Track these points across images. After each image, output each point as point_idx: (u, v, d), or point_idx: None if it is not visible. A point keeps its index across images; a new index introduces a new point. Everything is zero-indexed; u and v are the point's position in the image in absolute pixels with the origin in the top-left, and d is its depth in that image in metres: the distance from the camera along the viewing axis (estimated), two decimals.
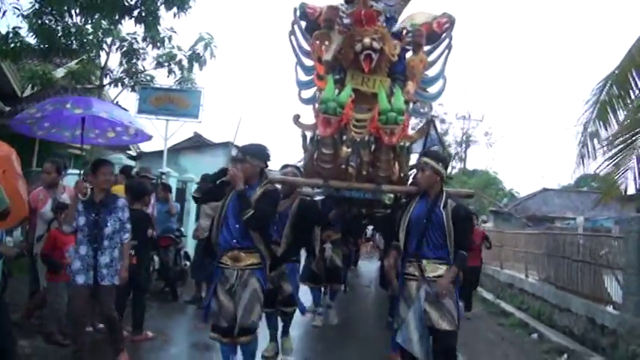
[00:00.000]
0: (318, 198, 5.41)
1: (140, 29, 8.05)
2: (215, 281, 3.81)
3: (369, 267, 15.49)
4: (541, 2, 61.76)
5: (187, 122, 12.30)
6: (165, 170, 10.63)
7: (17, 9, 7.25)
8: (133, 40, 9.23)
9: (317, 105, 4.20)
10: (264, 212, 3.68)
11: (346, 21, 4.41)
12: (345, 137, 4.42)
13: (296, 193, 4.94)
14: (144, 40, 8.58)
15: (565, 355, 6.11)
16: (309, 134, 4.64)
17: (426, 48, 4.48)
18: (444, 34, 4.52)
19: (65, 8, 6.90)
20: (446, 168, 4.07)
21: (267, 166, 3.92)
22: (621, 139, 6.77)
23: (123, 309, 5.32)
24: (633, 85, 6.82)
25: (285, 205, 4.74)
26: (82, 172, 5.22)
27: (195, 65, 9.65)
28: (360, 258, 15.52)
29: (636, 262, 5.63)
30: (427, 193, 3.86)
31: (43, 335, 4.89)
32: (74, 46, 8.14)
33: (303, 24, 4.62)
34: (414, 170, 4.43)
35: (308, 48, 4.50)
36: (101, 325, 4.71)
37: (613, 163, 6.90)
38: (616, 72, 6.97)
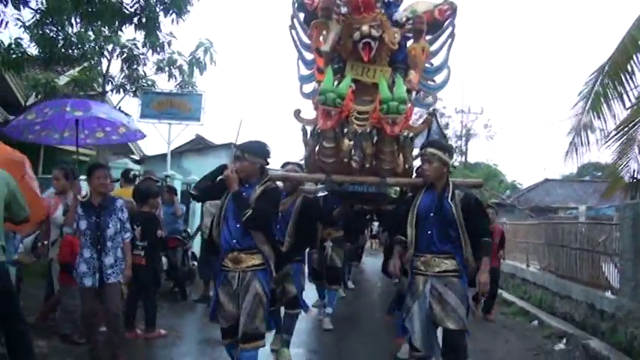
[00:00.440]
0: (320, 194, 5.33)
1: (140, 35, 8.20)
2: (218, 283, 3.75)
3: (373, 262, 15.58)
4: None
5: (189, 125, 12.50)
6: (169, 173, 10.80)
7: (19, 20, 7.40)
8: (133, 47, 9.35)
9: (316, 97, 4.03)
10: (263, 212, 3.52)
11: (344, 9, 4.21)
12: (346, 130, 4.19)
13: (299, 190, 4.84)
14: (144, 45, 8.71)
15: (564, 339, 6.23)
16: (309, 128, 4.44)
17: (428, 37, 4.33)
18: (447, 22, 4.34)
19: (65, 18, 7.04)
20: (451, 157, 3.98)
21: (267, 163, 3.77)
22: (625, 129, 6.88)
23: (135, 309, 5.52)
24: (628, 76, 6.93)
25: (287, 203, 4.69)
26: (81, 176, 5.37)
27: (196, 70, 9.79)
28: (365, 254, 15.60)
29: (631, 247, 5.75)
30: (433, 185, 3.77)
31: (59, 336, 5.03)
32: (75, 55, 8.30)
33: (302, 16, 4.45)
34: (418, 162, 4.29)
35: (308, 41, 4.36)
36: (103, 329, 4.69)
37: (617, 152, 7.03)
38: (609, 63, 7.08)
